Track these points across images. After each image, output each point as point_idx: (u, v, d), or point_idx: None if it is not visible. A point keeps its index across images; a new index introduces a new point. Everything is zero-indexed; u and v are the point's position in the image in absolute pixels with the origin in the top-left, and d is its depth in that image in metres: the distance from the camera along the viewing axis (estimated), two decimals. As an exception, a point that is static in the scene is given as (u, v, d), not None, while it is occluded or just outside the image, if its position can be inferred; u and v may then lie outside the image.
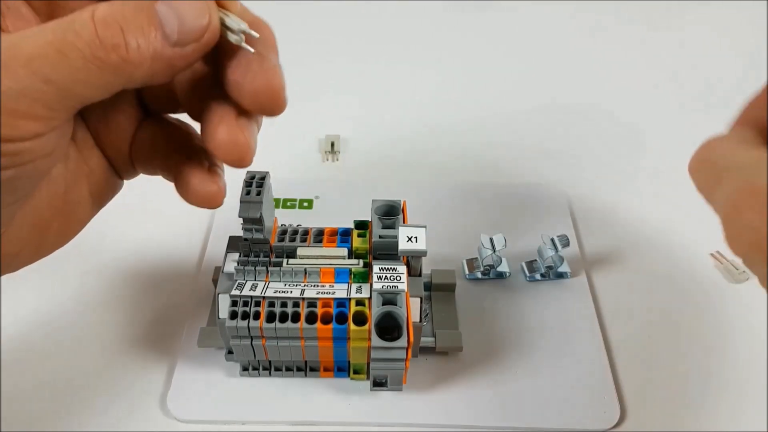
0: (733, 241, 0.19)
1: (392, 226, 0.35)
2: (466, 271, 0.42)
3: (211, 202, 0.26)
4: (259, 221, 0.33)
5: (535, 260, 0.42)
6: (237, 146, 0.24)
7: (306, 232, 0.36)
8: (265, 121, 0.26)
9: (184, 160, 0.26)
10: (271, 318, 0.32)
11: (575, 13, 0.65)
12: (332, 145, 0.51)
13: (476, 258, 0.42)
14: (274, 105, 0.23)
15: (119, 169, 0.28)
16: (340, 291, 0.33)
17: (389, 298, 0.33)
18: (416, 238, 0.34)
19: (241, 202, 0.33)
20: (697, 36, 0.62)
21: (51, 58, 0.19)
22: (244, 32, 0.22)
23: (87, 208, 0.27)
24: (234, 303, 0.32)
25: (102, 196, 0.28)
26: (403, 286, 0.33)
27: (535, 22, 0.65)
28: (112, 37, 0.20)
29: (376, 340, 0.31)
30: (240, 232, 0.34)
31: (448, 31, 0.65)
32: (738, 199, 0.18)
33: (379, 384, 0.35)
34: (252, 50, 0.22)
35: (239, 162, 0.24)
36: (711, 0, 0.64)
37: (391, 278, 0.33)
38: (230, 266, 0.35)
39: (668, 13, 0.64)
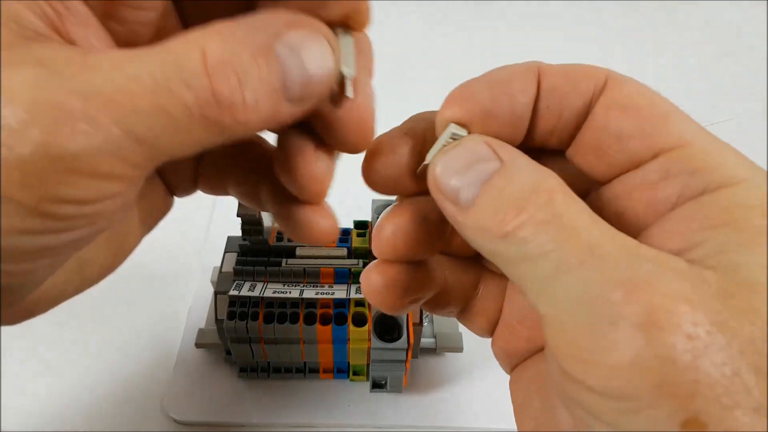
0: (622, 373, 0.14)
1: (392, 226, 0.34)
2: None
3: (329, 237, 0.22)
4: (257, 221, 0.33)
5: None
6: (315, 182, 0.20)
7: (305, 232, 0.36)
8: None
9: (273, 185, 0.22)
10: (269, 319, 0.32)
11: (572, 13, 0.65)
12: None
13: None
14: (360, 145, 0.20)
15: (176, 188, 0.25)
16: (339, 291, 0.33)
17: (389, 299, 0.32)
18: (416, 238, 0.33)
19: (239, 202, 0.33)
20: (697, 36, 0.62)
21: (152, 117, 0.15)
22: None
23: (135, 237, 0.24)
24: (232, 303, 0.32)
25: (152, 220, 0.25)
26: (403, 286, 0.33)
27: (534, 22, 0.65)
28: (230, 93, 0.16)
29: (375, 341, 0.31)
30: (239, 232, 0.34)
31: (448, 31, 0.65)
32: (646, 318, 0.14)
33: (378, 385, 0.35)
34: (352, 97, 0.19)
35: (313, 199, 0.21)
36: (711, 0, 0.64)
37: (391, 279, 0.33)
38: (229, 266, 0.34)
39: (669, 13, 0.64)
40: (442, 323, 0.38)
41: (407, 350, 0.31)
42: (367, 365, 0.35)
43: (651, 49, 0.62)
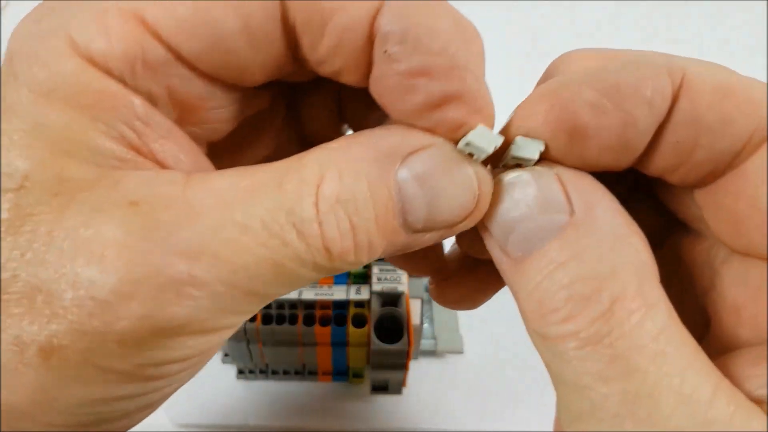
0: None
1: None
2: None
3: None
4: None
5: None
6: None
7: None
8: None
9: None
10: (267, 320, 0.32)
11: (571, 13, 0.65)
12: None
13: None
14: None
15: None
16: (338, 292, 0.32)
17: (389, 300, 0.32)
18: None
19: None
20: (696, 36, 0.62)
21: (261, 270, 0.14)
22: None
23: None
24: (230, 305, 0.32)
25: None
26: (403, 287, 0.32)
27: (533, 22, 0.65)
28: (340, 240, 0.14)
29: (375, 343, 0.31)
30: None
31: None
32: None
33: (378, 388, 0.35)
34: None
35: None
36: (711, 0, 0.64)
37: (391, 279, 0.33)
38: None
39: (669, 14, 0.64)
40: (443, 325, 0.38)
41: (407, 352, 0.31)
42: (367, 367, 0.34)
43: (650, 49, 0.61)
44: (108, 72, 0.14)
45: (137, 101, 0.14)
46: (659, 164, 0.15)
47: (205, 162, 0.16)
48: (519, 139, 0.14)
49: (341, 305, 0.32)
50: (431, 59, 0.14)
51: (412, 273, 0.21)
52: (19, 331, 0.12)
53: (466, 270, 0.20)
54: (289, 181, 0.14)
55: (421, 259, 0.20)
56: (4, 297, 0.13)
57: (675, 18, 0.64)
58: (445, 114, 0.14)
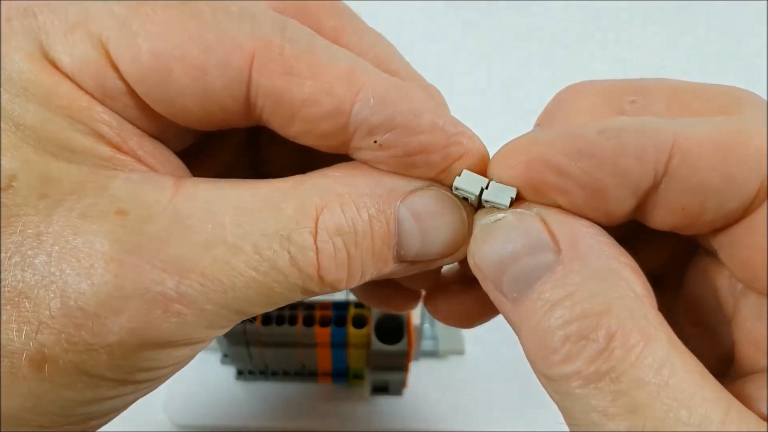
0: None
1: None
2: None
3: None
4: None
5: None
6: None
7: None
8: None
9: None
10: (267, 321, 0.31)
11: (570, 13, 0.65)
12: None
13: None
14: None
15: None
16: (338, 293, 0.32)
17: (389, 301, 0.32)
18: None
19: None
20: (696, 36, 0.62)
21: (248, 293, 0.14)
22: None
23: None
24: (229, 305, 0.32)
25: None
26: (403, 287, 0.32)
27: (531, 21, 0.65)
28: (336, 269, 0.14)
29: (376, 344, 0.31)
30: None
31: (448, 33, 0.64)
32: None
33: (379, 389, 0.35)
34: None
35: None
36: (711, 0, 0.64)
37: (392, 280, 0.33)
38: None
39: (669, 13, 0.64)
40: (443, 326, 0.37)
41: (408, 353, 0.31)
42: (367, 368, 0.34)
43: (649, 48, 0.61)
44: (74, 82, 0.14)
45: (105, 108, 0.14)
46: (666, 224, 0.15)
47: (177, 161, 0.16)
48: (492, 185, 0.15)
49: (341, 306, 0.32)
50: (426, 138, 0.14)
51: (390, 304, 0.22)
52: (6, 340, 0.12)
53: (465, 288, 0.19)
54: (288, 206, 0.14)
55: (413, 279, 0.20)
56: None
57: (675, 18, 0.64)
58: (449, 172, 0.15)
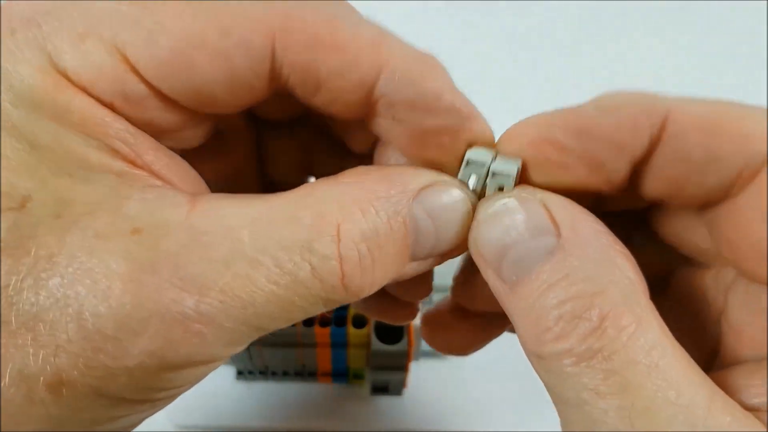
0: None
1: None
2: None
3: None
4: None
5: None
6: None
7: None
8: None
9: None
10: (267, 321, 0.31)
11: (571, 13, 0.64)
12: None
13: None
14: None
15: None
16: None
17: (389, 301, 0.32)
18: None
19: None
20: (696, 36, 0.62)
21: (269, 308, 0.13)
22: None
23: None
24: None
25: None
26: (403, 287, 0.32)
27: (531, 22, 0.64)
28: (360, 276, 0.14)
29: (376, 344, 0.31)
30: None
31: (451, 33, 0.64)
32: None
33: (379, 389, 0.35)
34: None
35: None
36: (711, 0, 0.64)
37: (392, 280, 0.33)
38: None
39: (669, 13, 0.64)
40: (444, 325, 0.37)
41: (408, 353, 0.31)
42: (367, 368, 0.34)
43: (649, 49, 0.61)
44: (87, 93, 0.13)
45: (123, 119, 0.14)
46: (653, 193, 0.15)
47: (194, 174, 0.16)
48: (499, 157, 0.15)
49: (341, 306, 0.32)
50: (442, 119, 0.14)
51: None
52: (22, 365, 0.12)
53: (459, 318, 0.20)
54: (305, 216, 0.14)
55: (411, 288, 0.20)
56: (3, 327, 0.12)
57: (674, 18, 0.64)
58: (455, 155, 0.15)
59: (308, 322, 0.31)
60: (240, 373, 0.35)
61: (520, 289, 0.14)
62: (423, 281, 0.19)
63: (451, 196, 0.15)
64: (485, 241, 0.15)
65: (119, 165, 0.14)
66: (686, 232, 0.16)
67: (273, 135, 0.20)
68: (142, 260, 0.12)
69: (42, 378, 0.12)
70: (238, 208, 0.14)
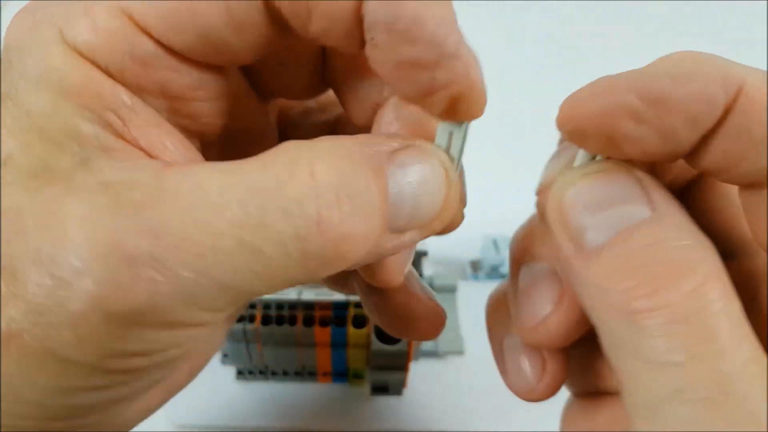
0: None
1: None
2: (469, 273, 0.41)
3: (435, 330, 0.20)
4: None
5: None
6: (391, 274, 0.18)
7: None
8: None
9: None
10: (267, 321, 0.31)
11: (571, 13, 0.64)
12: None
13: (479, 259, 0.41)
14: (451, 229, 0.17)
15: None
16: (338, 293, 0.32)
17: (389, 301, 0.32)
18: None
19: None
20: (696, 36, 0.62)
21: (236, 257, 0.12)
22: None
23: (221, 331, 0.21)
24: (229, 305, 0.32)
25: (237, 312, 0.22)
26: (403, 288, 0.32)
27: (532, 22, 0.64)
28: (339, 222, 0.13)
29: (376, 344, 0.31)
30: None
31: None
32: None
33: (378, 389, 0.35)
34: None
35: (388, 285, 0.18)
36: (711, 0, 0.64)
37: (392, 280, 0.32)
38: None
39: (669, 13, 0.64)
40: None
41: (408, 353, 0.31)
42: (367, 368, 0.34)
43: (649, 49, 0.61)
44: (94, 64, 0.13)
45: (123, 90, 0.14)
46: (705, 164, 0.14)
47: (196, 155, 0.16)
48: (580, 152, 0.15)
49: (341, 306, 0.32)
50: (419, 51, 0.13)
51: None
52: None
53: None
54: (277, 162, 0.13)
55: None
56: None
57: (675, 18, 0.64)
58: (438, 99, 0.14)
59: (308, 322, 0.31)
60: (240, 373, 0.35)
61: (607, 250, 0.13)
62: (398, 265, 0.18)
63: (425, 158, 0.14)
64: (571, 215, 0.14)
65: (108, 138, 0.13)
66: (724, 211, 0.16)
67: (294, 133, 0.20)
68: (102, 206, 0.12)
69: None
70: (211, 167, 0.13)
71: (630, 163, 0.14)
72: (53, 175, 0.13)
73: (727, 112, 0.13)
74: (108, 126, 0.14)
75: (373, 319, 0.20)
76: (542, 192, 0.16)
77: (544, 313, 0.16)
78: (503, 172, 0.39)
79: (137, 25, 0.13)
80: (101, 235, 0.12)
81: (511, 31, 0.63)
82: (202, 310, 0.13)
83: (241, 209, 0.12)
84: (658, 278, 0.12)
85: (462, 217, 0.17)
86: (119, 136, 0.14)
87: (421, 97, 0.14)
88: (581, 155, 0.15)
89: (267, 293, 0.14)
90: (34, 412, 0.13)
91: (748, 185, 0.15)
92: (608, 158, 0.15)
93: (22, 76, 0.13)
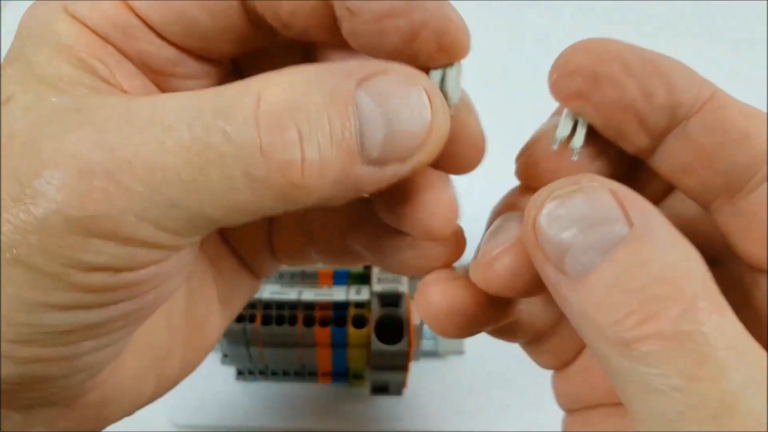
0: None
1: (392, 227, 0.34)
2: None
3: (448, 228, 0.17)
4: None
5: None
6: (445, 215, 0.17)
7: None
8: None
9: (369, 230, 0.18)
10: (267, 321, 0.31)
11: (569, 12, 0.65)
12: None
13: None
14: (474, 164, 0.17)
15: (257, 268, 0.22)
16: (338, 293, 0.32)
17: (390, 300, 0.32)
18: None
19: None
20: (696, 36, 0.62)
21: (181, 176, 0.13)
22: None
23: (216, 322, 0.21)
24: (229, 305, 0.32)
25: (235, 305, 0.22)
26: (403, 288, 0.32)
27: (532, 22, 0.64)
28: (282, 147, 0.13)
29: (376, 344, 0.31)
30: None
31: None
32: None
33: (378, 389, 0.35)
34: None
35: (442, 234, 0.17)
36: (711, 0, 0.64)
37: (391, 280, 0.32)
38: (226, 267, 0.34)
39: (669, 14, 0.64)
40: (444, 325, 0.37)
41: (408, 353, 0.31)
42: (367, 368, 0.34)
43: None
44: (88, 28, 0.15)
45: (113, 50, 0.15)
46: (665, 169, 0.15)
47: None
48: (563, 117, 0.16)
49: (341, 306, 0.32)
50: (391, 2, 0.14)
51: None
52: None
53: (461, 281, 0.18)
54: (229, 90, 0.13)
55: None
56: None
57: (674, 18, 0.64)
58: (423, 43, 0.14)
59: (308, 323, 0.31)
60: (240, 373, 0.35)
61: (590, 278, 0.13)
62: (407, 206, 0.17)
63: (402, 82, 0.14)
64: (546, 233, 0.14)
65: (93, 81, 0.15)
66: (699, 224, 0.16)
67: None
68: (69, 125, 0.13)
69: None
70: (177, 94, 0.14)
71: (604, 178, 0.14)
72: (43, 105, 0.14)
73: (697, 111, 0.15)
74: (94, 71, 0.15)
75: (386, 267, 0.19)
76: (519, 157, 0.17)
77: (494, 252, 0.16)
78: (503, 172, 0.39)
79: (126, 4, 0.15)
80: (65, 148, 0.13)
81: (511, 31, 0.63)
82: (157, 229, 0.13)
83: (189, 130, 0.13)
84: (645, 304, 0.12)
85: (480, 156, 0.17)
86: (104, 80, 0.15)
87: (406, 46, 0.14)
88: (564, 120, 0.16)
89: (224, 221, 0.14)
90: (12, 331, 0.14)
91: (716, 196, 0.15)
92: (590, 128, 0.15)
93: (29, 38, 0.15)
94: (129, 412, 0.19)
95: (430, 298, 0.17)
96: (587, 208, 0.13)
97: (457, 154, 0.16)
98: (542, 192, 0.14)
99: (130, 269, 0.14)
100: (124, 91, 0.15)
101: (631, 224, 0.13)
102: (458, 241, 0.18)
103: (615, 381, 0.13)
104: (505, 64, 0.59)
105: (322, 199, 0.14)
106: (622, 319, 0.12)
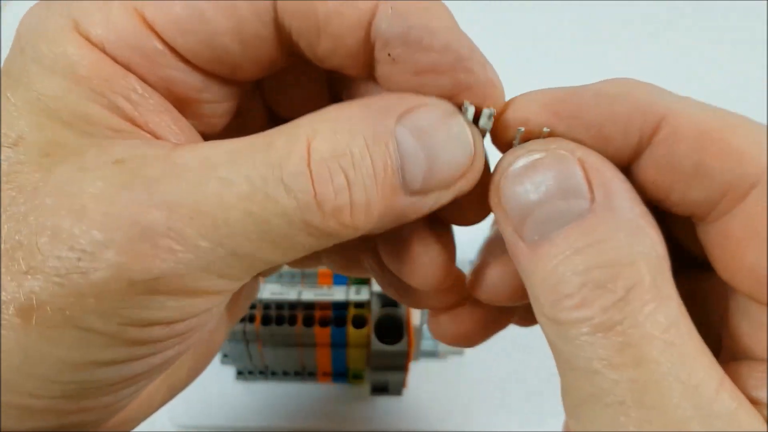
0: None
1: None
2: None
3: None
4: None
5: None
6: (433, 272, 0.17)
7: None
8: None
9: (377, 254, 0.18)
10: (267, 321, 0.31)
11: (569, 13, 0.64)
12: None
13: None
14: (481, 218, 0.17)
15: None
16: (338, 293, 0.32)
17: (389, 301, 0.32)
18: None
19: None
20: (696, 37, 0.62)
21: (246, 227, 0.13)
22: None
23: (221, 329, 0.21)
24: (229, 305, 0.32)
25: (239, 310, 0.22)
26: (403, 288, 0.32)
27: (532, 22, 0.64)
28: (334, 195, 0.13)
29: (375, 344, 0.31)
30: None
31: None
32: None
33: (378, 389, 0.35)
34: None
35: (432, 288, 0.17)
36: (711, 0, 0.64)
37: (391, 280, 0.33)
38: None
39: (669, 14, 0.64)
40: (443, 325, 0.37)
41: (408, 353, 0.31)
42: (367, 368, 0.34)
43: (649, 49, 0.61)
44: (105, 53, 0.14)
45: (135, 79, 0.14)
46: (646, 194, 0.15)
47: (201, 140, 0.16)
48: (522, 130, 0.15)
49: (341, 306, 0.32)
50: (436, 57, 0.14)
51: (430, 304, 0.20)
52: (3, 293, 0.12)
53: (467, 306, 0.19)
54: (279, 139, 0.14)
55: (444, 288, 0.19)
56: None
57: (674, 18, 0.64)
58: (456, 99, 0.15)
59: (308, 322, 0.31)
60: (240, 373, 0.35)
61: (542, 250, 0.13)
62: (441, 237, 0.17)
63: (440, 116, 0.14)
64: (510, 196, 0.14)
65: (117, 121, 0.14)
66: (686, 236, 0.16)
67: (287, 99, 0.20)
68: (118, 182, 0.13)
69: (14, 302, 0.12)
70: (218, 144, 0.14)
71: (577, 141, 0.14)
72: (65, 152, 0.13)
73: (648, 140, 0.14)
74: (117, 109, 0.14)
75: (391, 294, 0.20)
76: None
77: (487, 265, 0.17)
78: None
79: (147, 25, 0.14)
80: (119, 210, 0.13)
81: (511, 31, 0.63)
82: (220, 278, 0.14)
83: (248, 184, 0.13)
84: (583, 289, 0.13)
85: (488, 211, 0.17)
86: (128, 119, 0.14)
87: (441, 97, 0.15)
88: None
89: (283, 261, 0.14)
90: (47, 389, 0.13)
91: (689, 216, 0.15)
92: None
93: (35, 61, 0.14)
94: (139, 423, 0.19)
95: (443, 328, 0.19)
96: (552, 176, 0.14)
97: (466, 206, 0.16)
98: (510, 154, 0.15)
99: (187, 319, 0.14)
100: (149, 131, 0.15)
101: (593, 200, 0.13)
102: (458, 289, 0.19)
103: (551, 349, 0.14)
104: (503, 64, 0.59)
105: (368, 232, 0.14)
106: (559, 300, 0.13)
